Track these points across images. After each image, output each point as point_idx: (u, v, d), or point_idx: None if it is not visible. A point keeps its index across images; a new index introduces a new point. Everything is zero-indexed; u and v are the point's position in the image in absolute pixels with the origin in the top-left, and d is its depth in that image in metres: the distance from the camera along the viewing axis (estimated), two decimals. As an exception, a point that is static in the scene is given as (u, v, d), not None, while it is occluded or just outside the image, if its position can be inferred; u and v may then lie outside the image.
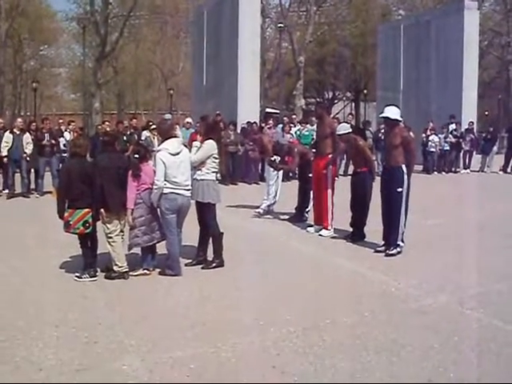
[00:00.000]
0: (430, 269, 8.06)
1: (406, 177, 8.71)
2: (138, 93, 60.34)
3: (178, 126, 17.97)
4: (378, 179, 9.29)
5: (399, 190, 8.65)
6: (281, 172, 12.75)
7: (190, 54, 40.56)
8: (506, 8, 50.03)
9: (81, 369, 4.76)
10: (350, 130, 10.30)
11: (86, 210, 7.21)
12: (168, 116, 22.11)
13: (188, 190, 7.68)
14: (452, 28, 25.71)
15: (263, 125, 19.81)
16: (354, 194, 9.93)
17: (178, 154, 7.58)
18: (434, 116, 24.52)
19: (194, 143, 8.19)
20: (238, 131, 19.17)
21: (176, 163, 7.52)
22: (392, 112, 8.88)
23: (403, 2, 52.02)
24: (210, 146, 7.91)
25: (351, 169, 10.94)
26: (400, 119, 8.99)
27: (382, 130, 17.10)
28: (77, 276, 7.34)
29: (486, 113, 45.73)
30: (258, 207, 12.53)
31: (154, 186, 7.42)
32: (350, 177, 10.71)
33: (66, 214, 7.21)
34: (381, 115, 9.06)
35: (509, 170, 23.06)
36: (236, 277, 7.69)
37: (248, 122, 19.63)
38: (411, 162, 8.94)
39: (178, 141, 7.91)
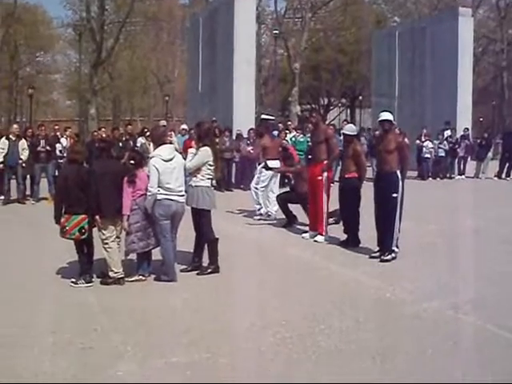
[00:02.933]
0: (425, 274, 8.09)
1: (400, 182, 8.75)
2: (134, 99, 60.34)
3: (173, 133, 18.02)
4: (370, 185, 9.30)
5: (394, 195, 8.68)
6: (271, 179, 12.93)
7: (185, 60, 40.63)
8: (500, 15, 50.29)
9: (76, 375, 4.77)
10: (355, 133, 10.34)
11: (83, 215, 7.23)
12: (163, 123, 22.11)
13: (182, 195, 7.70)
14: (447, 35, 25.80)
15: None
16: (343, 200, 9.97)
17: (170, 160, 7.60)
18: (429, 122, 24.59)
19: (190, 150, 8.22)
20: (234, 138, 19.17)
21: (169, 169, 7.54)
22: (390, 116, 8.98)
23: (398, 9, 52.21)
24: (206, 152, 7.93)
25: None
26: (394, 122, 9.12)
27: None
28: (72, 282, 7.34)
29: (481, 119, 45.87)
30: (253, 213, 12.60)
31: (148, 193, 7.43)
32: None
33: (62, 220, 7.22)
34: (381, 118, 9.05)
35: (503, 175, 23.12)
36: (231, 283, 7.71)
37: (252, 129, 19.50)
38: (405, 168, 8.99)
39: (170, 147, 7.95)
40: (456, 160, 23.70)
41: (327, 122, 31.89)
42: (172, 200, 7.52)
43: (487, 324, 5.98)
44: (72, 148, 8.07)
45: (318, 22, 52.25)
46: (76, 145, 8.71)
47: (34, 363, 4.98)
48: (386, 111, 9.28)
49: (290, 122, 24.07)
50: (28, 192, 15.64)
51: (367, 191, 9.44)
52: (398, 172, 8.78)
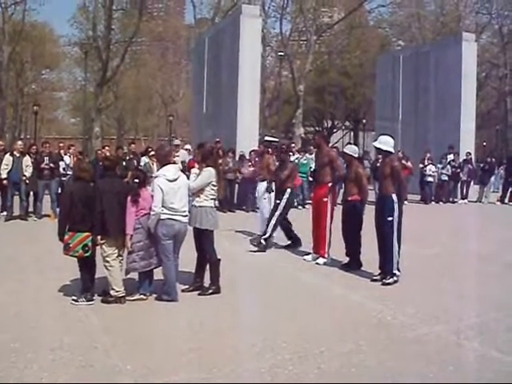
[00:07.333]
0: (427, 298, 8.06)
1: (396, 206, 8.74)
2: (138, 118, 60.75)
3: (182, 149, 18.07)
4: (373, 208, 9.30)
5: (389, 218, 8.70)
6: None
7: (190, 80, 40.87)
8: (503, 41, 50.64)
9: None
10: (356, 155, 10.31)
11: (87, 233, 7.24)
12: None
13: (185, 216, 7.71)
14: (450, 59, 25.96)
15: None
16: (345, 222, 9.96)
17: (175, 180, 7.62)
18: (432, 146, 24.64)
19: (193, 170, 8.24)
20: (237, 159, 19.16)
21: (174, 189, 7.55)
22: (384, 142, 8.97)
23: (402, 34, 52.56)
24: (209, 173, 7.96)
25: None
26: (391, 151, 9.05)
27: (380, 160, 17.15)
28: (73, 300, 7.33)
29: (484, 143, 45.98)
30: (254, 234, 12.54)
31: (152, 212, 7.44)
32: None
33: (66, 237, 7.23)
34: (373, 144, 9.15)
35: (506, 200, 23.11)
36: (232, 303, 7.68)
37: (253, 150, 19.45)
38: (402, 192, 8.98)
39: (175, 167, 7.96)
40: (459, 184, 23.72)
41: (330, 145, 31.93)
42: (175, 220, 7.52)
43: (489, 349, 5.95)
44: (79, 166, 8.06)
45: (322, 45, 52.71)
46: (83, 163, 8.69)
47: (33, 380, 4.95)
48: (387, 135, 9.30)
49: (293, 144, 24.09)
50: (31, 209, 15.66)
51: (370, 214, 9.43)
52: (394, 196, 8.78)
